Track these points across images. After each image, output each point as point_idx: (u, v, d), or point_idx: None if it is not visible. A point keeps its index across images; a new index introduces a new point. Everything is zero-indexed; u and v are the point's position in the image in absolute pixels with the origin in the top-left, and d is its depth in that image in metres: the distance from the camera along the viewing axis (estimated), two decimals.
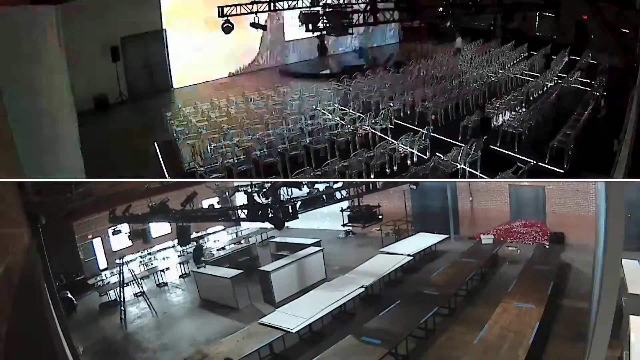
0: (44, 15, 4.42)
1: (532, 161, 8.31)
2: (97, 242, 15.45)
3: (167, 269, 13.92)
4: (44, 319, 4.08)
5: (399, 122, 10.64)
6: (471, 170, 8.40)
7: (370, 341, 6.27)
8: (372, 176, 8.52)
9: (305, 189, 7.70)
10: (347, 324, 8.40)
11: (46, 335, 3.69)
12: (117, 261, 14.12)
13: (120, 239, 15.54)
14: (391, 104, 11.11)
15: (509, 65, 14.14)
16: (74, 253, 14.36)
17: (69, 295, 11.72)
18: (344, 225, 11.83)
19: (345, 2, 11.81)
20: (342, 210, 10.82)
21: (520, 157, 8.64)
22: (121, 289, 11.03)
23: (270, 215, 6.78)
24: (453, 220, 14.09)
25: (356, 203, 10.63)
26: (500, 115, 10.36)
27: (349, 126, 10.00)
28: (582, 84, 12.24)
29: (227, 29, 11.76)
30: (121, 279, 11.28)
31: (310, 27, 10.76)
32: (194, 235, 15.69)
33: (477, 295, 9.25)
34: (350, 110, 11.39)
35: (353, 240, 15.79)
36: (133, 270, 12.89)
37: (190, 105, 12.21)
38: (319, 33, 11.94)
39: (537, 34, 16.90)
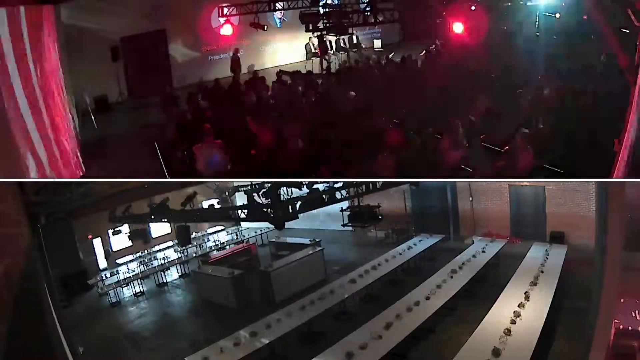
0: None
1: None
2: (97, 242, 15.43)
3: (167, 269, 13.92)
4: (44, 319, 4.08)
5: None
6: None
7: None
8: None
9: (305, 189, 7.69)
10: (347, 324, 8.39)
11: (46, 335, 3.69)
12: (117, 261, 14.10)
13: (120, 239, 15.54)
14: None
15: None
16: (74, 253, 14.33)
17: None
18: (344, 225, 11.81)
19: (346, 2, 11.82)
20: (342, 210, 10.80)
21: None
22: (121, 289, 11.03)
23: (270, 215, 6.78)
24: (453, 220, 14.07)
25: (356, 203, 10.62)
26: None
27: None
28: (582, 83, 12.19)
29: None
30: (121, 279, 11.28)
31: (310, 27, 10.76)
32: (194, 235, 15.69)
33: (478, 295, 9.23)
34: None
35: (353, 240, 15.77)
36: (133, 270, 12.88)
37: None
38: (319, 33, 11.93)
39: (537, 34, 16.87)
